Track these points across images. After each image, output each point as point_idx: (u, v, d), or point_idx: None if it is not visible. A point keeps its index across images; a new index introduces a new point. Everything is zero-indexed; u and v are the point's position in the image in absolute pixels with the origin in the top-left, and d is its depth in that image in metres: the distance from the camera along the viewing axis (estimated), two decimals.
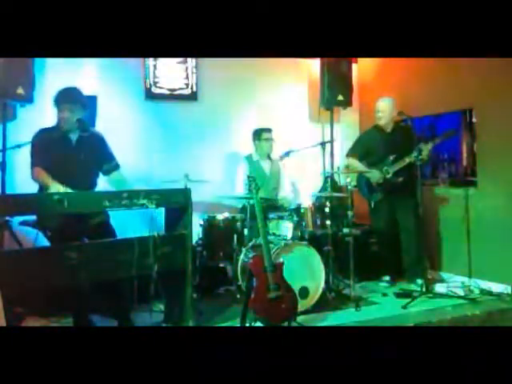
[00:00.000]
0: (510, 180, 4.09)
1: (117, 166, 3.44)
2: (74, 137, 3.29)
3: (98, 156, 3.37)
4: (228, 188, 4.45)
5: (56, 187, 2.96)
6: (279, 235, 3.96)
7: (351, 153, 4.61)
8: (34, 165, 3.17)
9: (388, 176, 4.31)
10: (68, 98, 3.22)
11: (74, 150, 3.27)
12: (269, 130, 4.57)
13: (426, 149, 4.07)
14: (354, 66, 5.50)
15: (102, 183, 3.51)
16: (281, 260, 3.41)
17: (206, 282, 4.07)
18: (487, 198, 4.28)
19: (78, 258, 2.73)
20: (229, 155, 4.85)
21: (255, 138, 4.60)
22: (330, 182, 4.30)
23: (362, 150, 4.55)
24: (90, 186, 3.36)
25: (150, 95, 4.73)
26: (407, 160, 4.18)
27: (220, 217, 4.15)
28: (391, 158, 4.29)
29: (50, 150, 3.18)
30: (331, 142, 5.18)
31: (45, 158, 3.15)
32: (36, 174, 3.14)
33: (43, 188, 3.10)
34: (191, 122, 4.85)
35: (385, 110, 4.39)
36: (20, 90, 3.87)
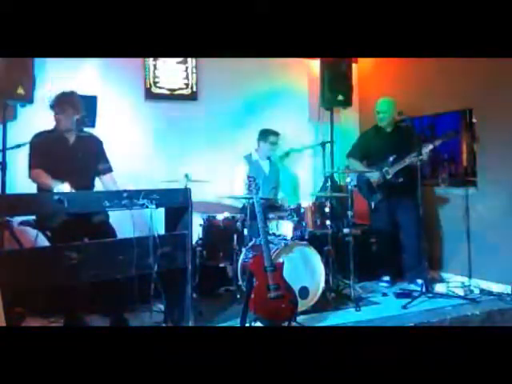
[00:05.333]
0: (510, 180, 4.09)
1: (109, 169, 3.49)
2: (71, 138, 3.36)
3: (94, 157, 3.44)
4: (228, 188, 4.45)
5: (58, 186, 2.98)
6: (279, 235, 3.95)
7: (352, 153, 4.61)
8: (32, 166, 3.22)
9: (388, 177, 4.31)
10: (64, 101, 3.29)
11: (71, 149, 3.34)
12: (276, 134, 4.54)
13: (426, 154, 4.08)
14: (354, 66, 5.49)
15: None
16: (281, 260, 3.41)
17: (205, 281, 4.06)
18: (487, 198, 4.28)
19: (78, 257, 2.73)
20: (229, 155, 4.85)
21: (261, 137, 4.57)
22: (330, 181, 4.30)
23: (363, 150, 4.55)
24: (87, 185, 3.38)
25: (150, 95, 4.72)
26: (407, 161, 4.18)
27: (220, 217, 4.15)
28: (391, 158, 4.29)
29: (48, 150, 3.24)
30: (331, 141, 5.18)
31: (43, 159, 3.20)
32: (35, 175, 3.18)
33: (43, 189, 3.11)
34: (191, 122, 4.85)
35: (386, 110, 4.38)
36: (20, 90, 3.87)
